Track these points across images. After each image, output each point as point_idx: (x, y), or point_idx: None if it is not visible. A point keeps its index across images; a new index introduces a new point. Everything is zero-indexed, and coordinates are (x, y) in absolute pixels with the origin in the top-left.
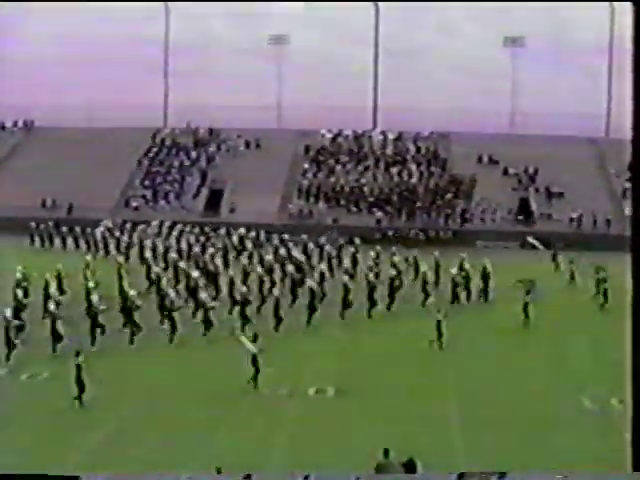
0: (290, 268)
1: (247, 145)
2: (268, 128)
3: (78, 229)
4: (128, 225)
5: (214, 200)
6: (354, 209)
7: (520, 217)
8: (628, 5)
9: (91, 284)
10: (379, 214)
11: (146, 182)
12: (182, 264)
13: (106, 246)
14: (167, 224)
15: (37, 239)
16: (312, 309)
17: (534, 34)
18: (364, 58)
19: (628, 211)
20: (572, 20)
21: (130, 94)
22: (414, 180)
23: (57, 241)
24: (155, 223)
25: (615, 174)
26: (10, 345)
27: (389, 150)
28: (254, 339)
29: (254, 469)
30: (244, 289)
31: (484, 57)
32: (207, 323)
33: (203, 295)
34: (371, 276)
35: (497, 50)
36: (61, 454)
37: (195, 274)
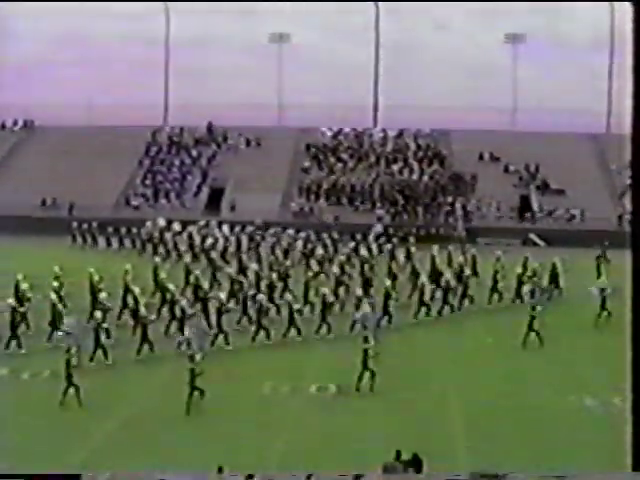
0: (365, 267)
1: (248, 143)
2: (269, 126)
3: (123, 229)
4: (177, 226)
5: (215, 198)
6: (355, 207)
7: (521, 214)
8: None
9: (172, 286)
10: (380, 212)
11: (147, 181)
12: (254, 266)
13: (155, 246)
14: (213, 223)
15: (79, 239)
16: (386, 311)
17: (535, 31)
18: (365, 56)
19: (628, 208)
20: (573, 17)
21: (130, 93)
22: (415, 177)
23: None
24: (202, 223)
25: (616, 171)
26: (102, 347)
27: (390, 148)
28: (365, 341)
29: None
30: (326, 290)
31: (485, 54)
32: (294, 325)
33: (289, 297)
34: (449, 276)
35: (498, 47)
36: None
37: (274, 276)
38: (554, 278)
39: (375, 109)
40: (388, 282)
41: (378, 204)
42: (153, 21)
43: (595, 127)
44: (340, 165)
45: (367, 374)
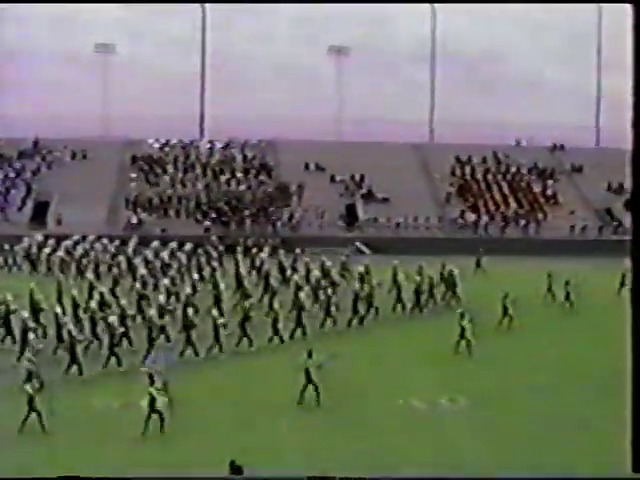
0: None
1: (73, 156)
2: (94, 138)
3: None
4: (51, 241)
5: (40, 212)
6: (182, 218)
7: (347, 223)
8: (450, 14)
9: (123, 301)
10: (207, 223)
11: None
12: (166, 281)
13: (33, 263)
14: (90, 237)
15: None
16: (300, 323)
17: (358, 43)
18: (191, 66)
19: (451, 215)
20: (395, 29)
21: None
22: (242, 188)
23: None
24: (76, 237)
25: (439, 179)
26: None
27: (216, 158)
28: (309, 355)
29: None
30: (247, 304)
31: (309, 66)
32: (218, 340)
33: (214, 312)
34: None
35: (322, 59)
36: None
37: (187, 290)
38: (452, 286)
39: (202, 120)
40: (302, 294)
41: (207, 215)
42: None
43: (418, 137)
44: (167, 177)
45: (311, 387)
